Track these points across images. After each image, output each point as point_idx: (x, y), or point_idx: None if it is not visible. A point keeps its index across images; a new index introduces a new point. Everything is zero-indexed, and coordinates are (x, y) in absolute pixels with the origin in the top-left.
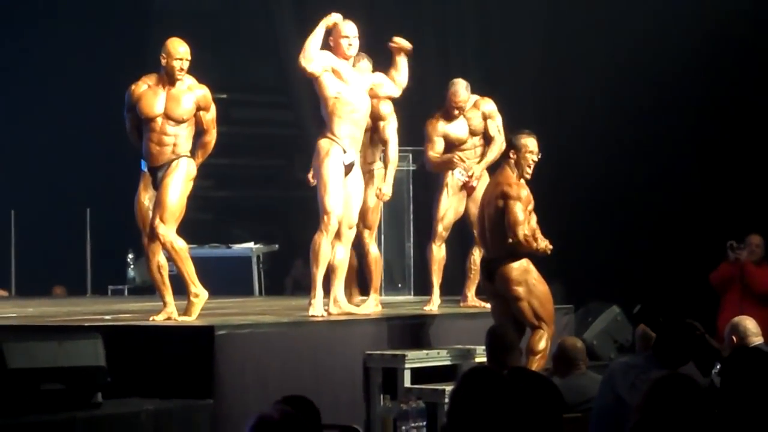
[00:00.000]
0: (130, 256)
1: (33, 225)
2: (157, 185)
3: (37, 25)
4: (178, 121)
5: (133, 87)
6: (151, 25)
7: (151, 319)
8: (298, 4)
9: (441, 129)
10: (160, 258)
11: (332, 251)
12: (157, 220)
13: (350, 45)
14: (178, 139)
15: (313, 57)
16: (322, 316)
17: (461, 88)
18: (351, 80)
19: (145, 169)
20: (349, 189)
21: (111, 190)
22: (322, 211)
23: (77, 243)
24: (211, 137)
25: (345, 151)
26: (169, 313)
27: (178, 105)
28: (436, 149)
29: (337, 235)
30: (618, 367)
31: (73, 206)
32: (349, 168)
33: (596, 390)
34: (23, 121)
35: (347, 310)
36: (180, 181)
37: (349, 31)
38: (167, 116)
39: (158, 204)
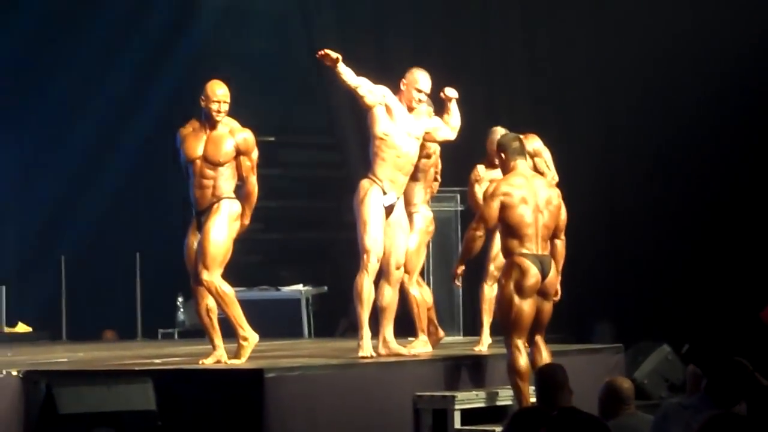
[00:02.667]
0: (180, 299)
1: (83, 269)
2: (201, 229)
3: (92, 70)
4: (216, 164)
5: (181, 130)
6: (200, 66)
7: (201, 362)
8: (345, 45)
9: (485, 176)
10: (208, 301)
11: (381, 292)
12: (201, 267)
13: (419, 100)
14: (217, 181)
15: (370, 88)
16: (372, 356)
17: (498, 136)
18: (402, 123)
19: (194, 213)
20: (394, 229)
21: (160, 233)
22: (362, 250)
23: (127, 287)
24: (252, 186)
25: (385, 193)
26: (218, 356)
27: (217, 148)
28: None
29: (385, 277)
30: (671, 407)
31: (123, 250)
32: (390, 209)
33: (646, 430)
34: (72, 166)
35: (396, 351)
36: (222, 224)
37: (424, 85)
38: (206, 159)
39: (201, 249)
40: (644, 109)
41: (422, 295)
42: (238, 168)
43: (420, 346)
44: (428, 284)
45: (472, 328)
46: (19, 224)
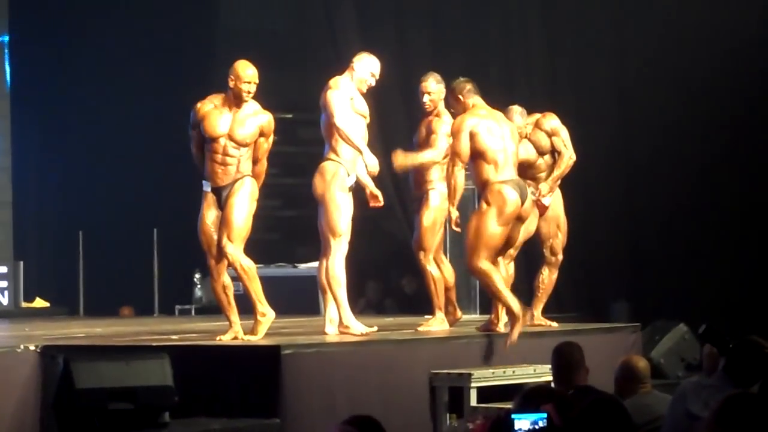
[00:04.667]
0: (197, 275)
1: (100, 245)
2: (221, 205)
3: (102, 46)
4: (242, 144)
5: (198, 105)
6: (216, 44)
7: (218, 338)
8: (362, 24)
9: None
10: (224, 278)
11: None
12: (225, 240)
13: (370, 85)
14: (241, 160)
15: (346, 112)
16: (363, 334)
17: (516, 114)
18: (358, 106)
19: (208, 189)
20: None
21: (178, 210)
22: (331, 234)
23: (144, 263)
24: (263, 168)
25: (348, 174)
26: (235, 332)
27: (243, 128)
28: None
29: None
30: (689, 386)
31: (140, 226)
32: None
33: (663, 409)
34: (89, 142)
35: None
36: (246, 201)
37: (377, 70)
38: (231, 138)
39: (225, 223)
40: (659, 84)
41: (442, 272)
42: (255, 149)
43: (437, 324)
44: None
45: (489, 307)
46: (38, 200)
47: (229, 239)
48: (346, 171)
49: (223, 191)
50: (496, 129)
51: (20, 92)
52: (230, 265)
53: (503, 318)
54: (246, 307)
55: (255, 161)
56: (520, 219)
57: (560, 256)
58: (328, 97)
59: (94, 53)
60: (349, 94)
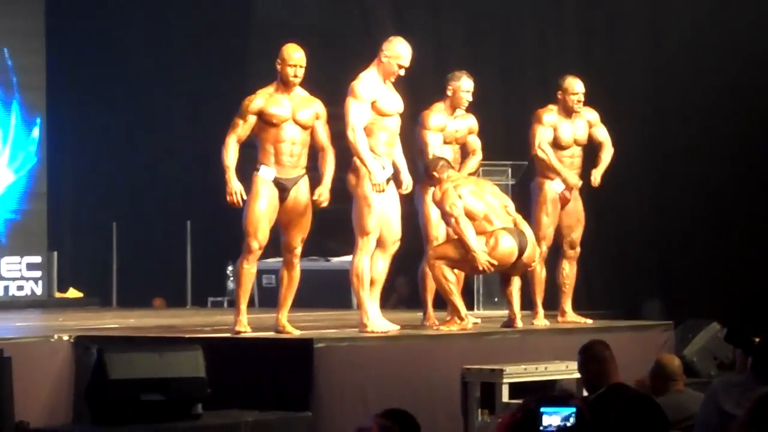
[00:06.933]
0: (230, 268)
1: (134, 237)
2: (284, 198)
3: (138, 39)
4: (305, 128)
5: (253, 96)
6: (251, 37)
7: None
8: (398, 17)
9: (552, 119)
10: (254, 268)
11: (375, 264)
12: (300, 244)
13: (398, 75)
14: (304, 147)
15: (363, 117)
16: (381, 332)
17: (578, 81)
18: (386, 102)
19: (271, 178)
20: (389, 203)
21: (211, 202)
22: (361, 231)
23: (177, 255)
24: (332, 153)
25: (383, 168)
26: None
27: (302, 111)
28: (545, 142)
29: (383, 249)
30: (721, 384)
31: (173, 218)
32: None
33: (695, 407)
34: (123, 133)
35: (380, 329)
36: (310, 203)
37: (406, 60)
38: (296, 121)
39: (301, 227)
40: (693, 81)
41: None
42: (315, 136)
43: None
44: None
45: (525, 303)
46: (73, 191)
47: (301, 243)
48: (381, 164)
49: (288, 184)
50: (478, 191)
51: (56, 84)
52: (291, 266)
53: (518, 313)
54: (273, 300)
55: (321, 148)
56: (522, 267)
57: (578, 249)
58: (346, 105)
59: (129, 45)
60: (373, 95)
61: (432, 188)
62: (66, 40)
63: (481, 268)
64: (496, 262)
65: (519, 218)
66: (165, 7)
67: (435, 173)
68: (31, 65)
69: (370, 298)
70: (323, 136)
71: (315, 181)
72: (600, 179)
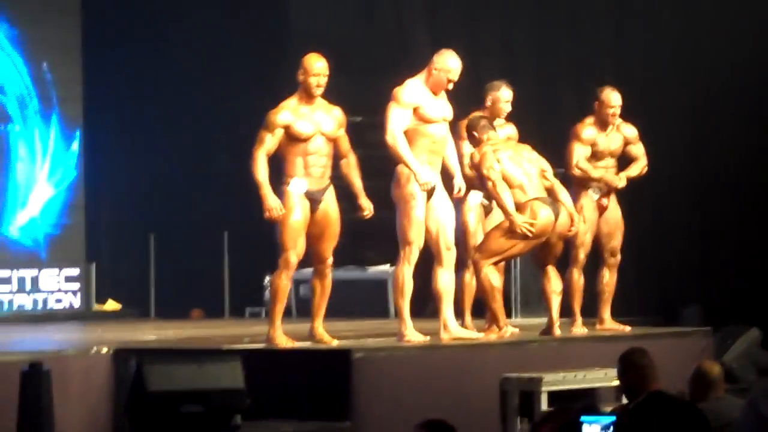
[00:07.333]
0: (267, 278)
1: (172, 248)
2: (314, 209)
3: (173, 51)
4: (331, 139)
5: (278, 109)
6: (288, 47)
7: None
8: (433, 27)
9: (591, 135)
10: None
11: (435, 276)
12: (330, 254)
13: (448, 88)
14: (330, 158)
15: (404, 120)
16: (414, 341)
17: (615, 94)
18: (431, 109)
19: (302, 192)
20: (438, 211)
21: (248, 212)
22: (403, 241)
23: (215, 266)
24: (354, 158)
25: None
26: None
27: (329, 122)
28: (582, 160)
29: (438, 260)
30: (760, 390)
31: (211, 229)
32: (431, 192)
33: (735, 414)
34: (161, 145)
35: (457, 335)
36: (338, 212)
37: (456, 73)
38: (322, 133)
39: (331, 237)
40: (731, 93)
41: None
42: (339, 145)
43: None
44: (515, 266)
45: (563, 310)
46: (112, 203)
47: (331, 254)
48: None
49: (317, 195)
50: (516, 157)
51: (93, 96)
52: (323, 275)
53: (557, 320)
54: (308, 310)
55: (342, 156)
56: (558, 236)
57: (618, 257)
58: (387, 110)
59: (166, 58)
60: (415, 101)
61: (472, 150)
62: (103, 53)
63: (520, 232)
64: (533, 227)
65: (557, 184)
66: (202, 18)
67: (475, 133)
68: (69, 78)
69: (440, 308)
70: (345, 143)
71: (340, 190)
72: (626, 181)
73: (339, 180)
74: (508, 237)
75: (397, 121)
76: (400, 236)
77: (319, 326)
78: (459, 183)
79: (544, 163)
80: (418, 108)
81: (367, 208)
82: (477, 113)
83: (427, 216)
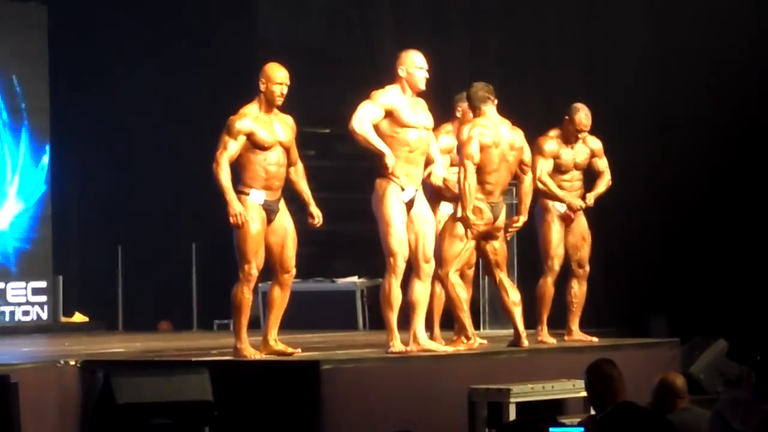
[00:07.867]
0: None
1: (139, 260)
2: (271, 220)
3: (139, 63)
4: (288, 149)
5: (240, 115)
6: (256, 60)
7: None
8: (400, 38)
9: (554, 148)
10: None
11: (411, 287)
12: (294, 265)
13: (426, 78)
14: (285, 168)
15: (374, 117)
16: (401, 351)
17: (586, 113)
18: (409, 117)
19: (261, 202)
20: (418, 223)
21: (216, 224)
22: (387, 253)
23: (183, 278)
24: (301, 168)
25: (403, 189)
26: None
27: (287, 132)
28: (546, 171)
29: (415, 272)
30: (726, 402)
31: (178, 241)
32: (410, 204)
33: (702, 425)
34: (128, 157)
35: (426, 347)
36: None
37: (422, 61)
38: (280, 143)
39: (292, 247)
40: (697, 99)
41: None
42: (290, 153)
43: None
44: (483, 278)
45: (530, 321)
46: (78, 215)
47: (294, 266)
48: (400, 186)
49: (274, 206)
50: (499, 143)
51: (59, 109)
52: (285, 286)
53: (523, 331)
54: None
55: (292, 164)
56: (489, 235)
57: (587, 268)
58: (358, 106)
59: (132, 70)
60: (391, 104)
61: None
62: (68, 65)
63: (464, 226)
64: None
65: (527, 183)
66: (170, 32)
67: (472, 103)
68: (37, 90)
69: (412, 319)
70: (295, 151)
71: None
72: (593, 201)
73: (291, 192)
74: (458, 237)
75: (365, 111)
76: (384, 248)
77: (273, 338)
78: (438, 173)
79: (528, 156)
80: (393, 111)
81: (317, 216)
82: (476, 84)
83: (407, 227)
